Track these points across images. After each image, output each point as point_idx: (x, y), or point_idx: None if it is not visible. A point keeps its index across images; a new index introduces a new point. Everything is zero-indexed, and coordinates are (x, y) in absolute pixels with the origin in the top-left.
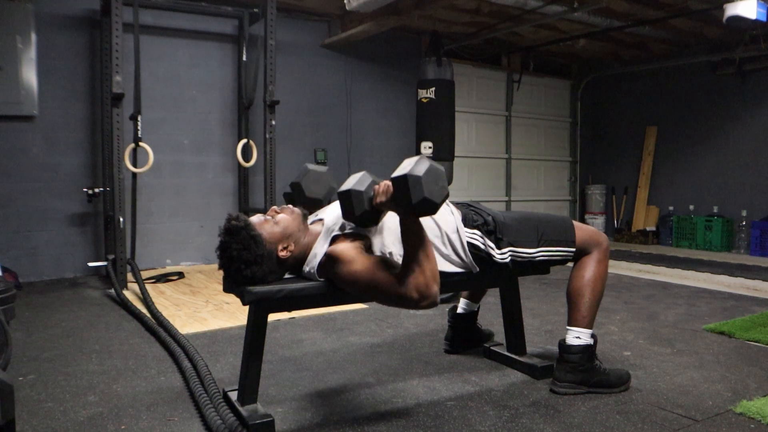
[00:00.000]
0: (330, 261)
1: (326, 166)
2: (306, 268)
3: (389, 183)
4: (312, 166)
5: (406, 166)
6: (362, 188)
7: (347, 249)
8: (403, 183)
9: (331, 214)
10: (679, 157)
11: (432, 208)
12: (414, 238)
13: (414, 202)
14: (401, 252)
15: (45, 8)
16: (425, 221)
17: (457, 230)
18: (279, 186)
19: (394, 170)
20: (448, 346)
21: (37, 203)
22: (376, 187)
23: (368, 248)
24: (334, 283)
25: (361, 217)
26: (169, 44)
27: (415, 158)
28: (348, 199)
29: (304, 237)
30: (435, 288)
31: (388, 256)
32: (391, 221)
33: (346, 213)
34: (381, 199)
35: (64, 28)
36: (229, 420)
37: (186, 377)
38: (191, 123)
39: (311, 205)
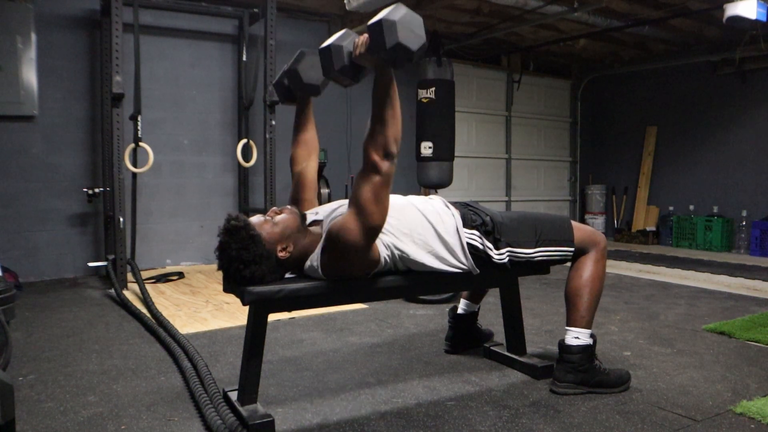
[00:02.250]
0: (329, 238)
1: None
2: (308, 264)
3: (367, 35)
4: (307, 51)
5: (382, 13)
6: (342, 42)
7: (339, 219)
8: (377, 28)
9: (327, 210)
10: (679, 157)
11: (407, 55)
12: (383, 96)
13: (388, 47)
14: (409, 250)
15: (45, 8)
16: (421, 223)
17: (457, 231)
18: (279, 186)
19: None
20: (449, 347)
21: (37, 203)
22: (356, 40)
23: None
24: (336, 268)
25: (341, 71)
26: (169, 44)
27: (393, 6)
28: (328, 54)
29: (303, 238)
30: (394, 148)
31: (394, 252)
32: (403, 223)
33: (326, 68)
34: (360, 50)
35: (64, 28)
36: (229, 420)
37: (186, 377)
38: (191, 123)
39: (308, 91)
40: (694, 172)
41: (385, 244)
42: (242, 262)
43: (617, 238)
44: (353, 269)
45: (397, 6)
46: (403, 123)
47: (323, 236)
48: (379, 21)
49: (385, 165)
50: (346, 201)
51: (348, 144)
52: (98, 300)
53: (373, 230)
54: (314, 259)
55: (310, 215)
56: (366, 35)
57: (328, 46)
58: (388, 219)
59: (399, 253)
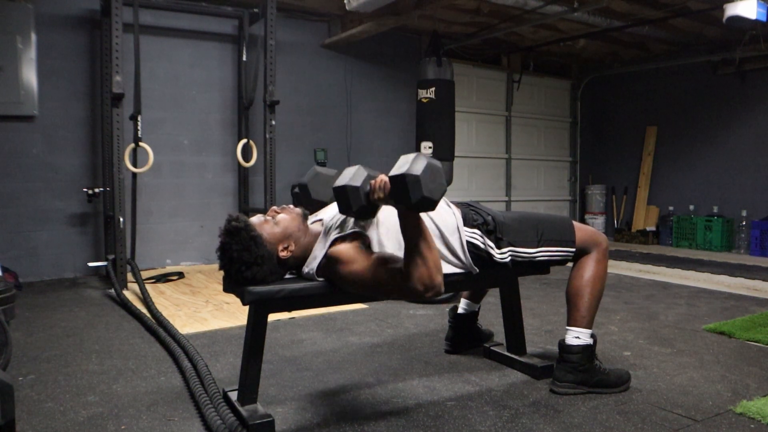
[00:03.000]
0: (330, 262)
1: (334, 169)
2: (305, 269)
3: (386, 179)
4: (320, 169)
5: (403, 165)
6: (358, 184)
7: (346, 249)
8: (401, 182)
9: (330, 213)
10: (679, 157)
11: (431, 206)
12: (414, 231)
13: (413, 202)
14: (396, 246)
15: (45, 8)
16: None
17: (458, 230)
18: (279, 186)
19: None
20: (449, 346)
21: (37, 203)
22: (372, 182)
23: (368, 246)
24: (334, 284)
25: (358, 212)
26: (169, 44)
27: (412, 156)
28: (344, 195)
29: (304, 237)
30: (439, 278)
31: (386, 251)
32: (385, 216)
33: (343, 208)
34: (379, 195)
35: (64, 28)
36: (229, 420)
37: (186, 377)
38: (191, 123)
39: (315, 206)
40: (694, 172)
41: (382, 241)
42: (243, 263)
43: (617, 238)
44: (352, 284)
45: (418, 157)
46: (403, 123)
47: (325, 253)
48: (403, 176)
49: (428, 295)
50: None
51: (348, 144)
52: (98, 300)
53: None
54: (312, 267)
55: (313, 218)
56: (384, 179)
57: (344, 187)
58: (390, 218)
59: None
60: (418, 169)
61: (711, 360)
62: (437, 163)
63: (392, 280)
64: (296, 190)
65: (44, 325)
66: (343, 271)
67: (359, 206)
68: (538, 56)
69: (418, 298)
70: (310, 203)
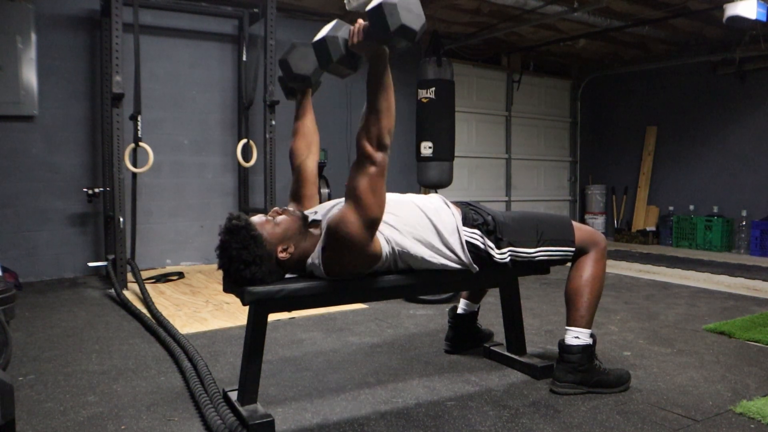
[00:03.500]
0: (329, 230)
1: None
2: (309, 261)
3: (362, 22)
4: (298, 43)
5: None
6: (337, 33)
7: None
8: (378, 12)
9: (326, 207)
10: (679, 157)
11: (410, 36)
12: (378, 86)
13: (392, 30)
14: (409, 245)
15: (45, 8)
16: (420, 219)
17: (457, 230)
18: (279, 186)
19: (393, 168)
20: (449, 346)
21: (37, 203)
22: (351, 28)
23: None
24: (338, 278)
25: (340, 62)
26: (169, 44)
27: None
28: (324, 47)
29: (304, 240)
30: (387, 141)
31: (395, 248)
32: (401, 220)
33: (323, 61)
34: (357, 38)
35: (64, 28)
36: (229, 420)
37: (186, 377)
38: (191, 123)
39: (298, 82)
40: (694, 172)
41: (386, 239)
42: (243, 263)
43: (617, 238)
44: (355, 264)
45: None
46: (403, 123)
47: (323, 233)
48: (379, 4)
49: (379, 156)
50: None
51: (348, 144)
52: (98, 300)
53: (371, 222)
54: (315, 257)
55: (309, 215)
56: (361, 22)
57: (323, 39)
58: (388, 215)
59: (399, 248)
60: None
61: (711, 360)
62: None
63: (355, 172)
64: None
65: (44, 325)
66: (338, 227)
67: (339, 55)
68: (538, 56)
69: (369, 160)
70: (292, 78)
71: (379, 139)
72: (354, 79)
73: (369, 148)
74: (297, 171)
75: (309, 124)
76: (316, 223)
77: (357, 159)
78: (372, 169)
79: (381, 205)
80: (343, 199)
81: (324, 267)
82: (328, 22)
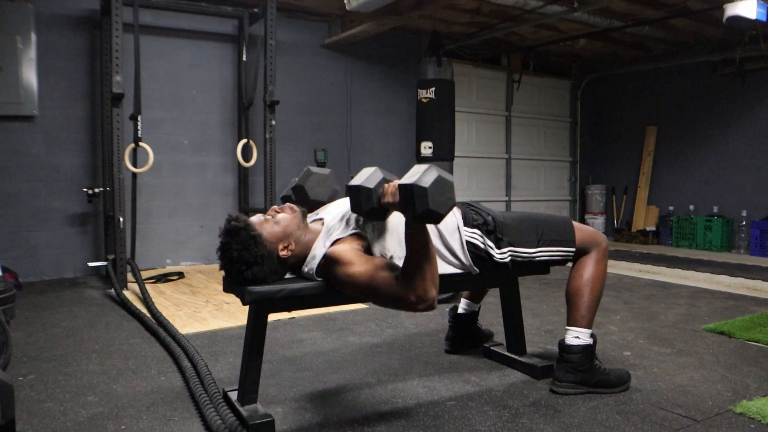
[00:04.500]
0: (329, 262)
1: (328, 168)
2: (305, 269)
3: (397, 186)
4: (314, 169)
5: (414, 175)
6: (371, 185)
7: (346, 251)
8: (409, 191)
9: (332, 213)
10: (679, 157)
11: (436, 219)
12: (417, 242)
13: (418, 212)
14: (402, 254)
15: (45, 8)
16: None
17: (458, 230)
18: (279, 186)
19: (393, 169)
20: (449, 346)
21: (37, 203)
22: (386, 186)
23: (367, 249)
24: (331, 284)
25: (368, 213)
26: (169, 44)
27: (425, 167)
28: (357, 194)
29: (304, 235)
30: (434, 293)
31: (388, 258)
32: (394, 222)
33: (355, 206)
34: (388, 199)
35: (64, 28)
36: (229, 420)
37: (186, 377)
38: (191, 123)
39: (313, 207)
40: (694, 172)
41: (383, 252)
42: (244, 263)
43: (617, 238)
44: (350, 291)
45: (430, 168)
46: (403, 123)
47: (324, 253)
48: (411, 186)
49: (419, 307)
50: (348, 200)
51: (348, 144)
52: (98, 300)
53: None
54: (312, 268)
55: (312, 216)
56: (395, 185)
57: (358, 187)
58: (392, 219)
59: (399, 261)
60: (427, 181)
61: (711, 360)
62: (449, 177)
63: (388, 288)
64: (289, 194)
65: (44, 325)
66: (340, 272)
67: (369, 208)
68: (538, 56)
69: (411, 309)
70: (308, 204)
71: (426, 293)
72: (354, 80)
73: (412, 297)
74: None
75: None
76: (317, 219)
77: (398, 295)
78: (402, 305)
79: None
80: (345, 200)
81: (318, 276)
82: (328, 21)
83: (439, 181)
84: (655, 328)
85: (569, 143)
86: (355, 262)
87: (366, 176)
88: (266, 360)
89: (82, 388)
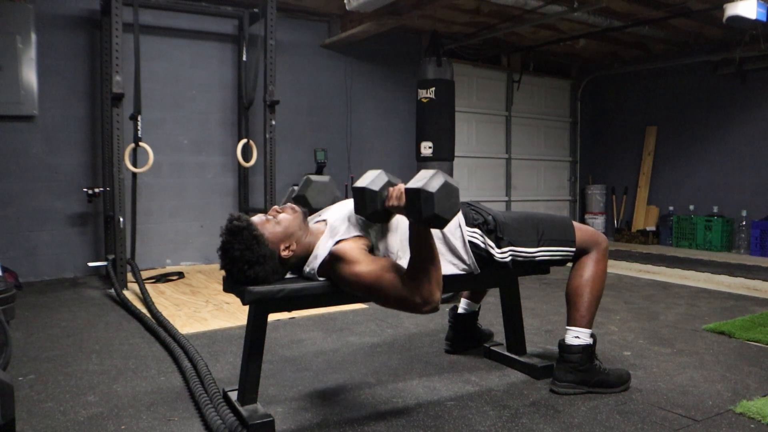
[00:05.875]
0: (333, 260)
1: (327, 175)
2: (306, 269)
3: (403, 189)
4: (314, 177)
5: (420, 180)
6: (376, 188)
7: (351, 249)
8: (415, 196)
9: (335, 214)
10: (679, 157)
11: (441, 224)
12: (422, 245)
13: (424, 217)
14: (405, 254)
15: (45, 8)
16: None
17: (459, 229)
18: (279, 186)
19: (393, 169)
20: (449, 346)
21: (37, 203)
22: (391, 189)
23: (370, 249)
24: (334, 283)
25: (372, 215)
26: (169, 44)
27: (432, 172)
28: (362, 196)
29: (305, 236)
30: (438, 295)
31: (393, 258)
32: (397, 222)
33: (359, 208)
34: (393, 203)
35: (64, 28)
36: (229, 420)
37: (186, 377)
38: (191, 123)
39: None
40: (694, 172)
41: (385, 254)
42: (246, 263)
43: (617, 238)
44: (353, 290)
45: (436, 174)
46: (403, 123)
47: (329, 251)
48: (417, 191)
49: (424, 309)
50: (350, 202)
51: (348, 144)
52: (98, 300)
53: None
54: (314, 267)
55: (314, 216)
56: (401, 189)
57: (363, 189)
58: (397, 221)
59: (403, 262)
60: (434, 186)
61: (711, 360)
62: (454, 183)
63: (392, 288)
64: (296, 193)
65: (44, 325)
66: (345, 270)
67: (374, 210)
68: (538, 56)
69: (415, 311)
70: (311, 212)
71: (430, 295)
72: (354, 80)
73: (418, 299)
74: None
75: None
76: (320, 220)
77: (404, 296)
78: (405, 307)
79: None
80: (347, 201)
81: (320, 275)
82: (328, 21)
83: (445, 187)
84: (655, 328)
85: (569, 143)
86: (362, 261)
87: (371, 178)
88: (266, 360)
89: (82, 388)
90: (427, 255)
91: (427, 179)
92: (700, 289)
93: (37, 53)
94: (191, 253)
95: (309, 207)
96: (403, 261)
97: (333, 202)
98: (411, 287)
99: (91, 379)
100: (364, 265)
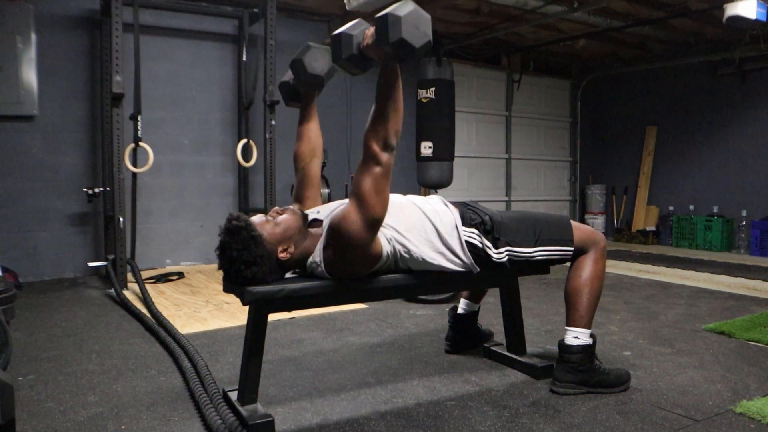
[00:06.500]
0: (332, 229)
1: (327, 46)
2: (310, 260)
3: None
4: (314, 44)
5: (391, 7)
6: (353, 32)
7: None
8: (383, 22)
9: (328, 208)
10: (679, 157)
11: (410, 52)
12: (387, 89)
13: (390, 41)
14: (421, 250)
15: (45, 8)
16: (421, 221)
17: (456, 229)
18: (279, 186)
19: (393, 168)
20: (449, 346)
21: (37, 203)
22: (366, 31)
23: (370, 247)
24: (340, 279)
25: (348, 61)
26: (169, 44)
27: (402, 1)
28: (338, 42)
29: (304, 240)
30: (394, 142)
31: (404, 252)
32: (414, 220)
33: (336, 55)
34: (367, 41)
35: (64, 28)
36: (229, 420)
37: (186, 377)
38: (191, 123)
39: (311, 82)
40: (694, 172)
41: (387, 238)
42: (243, 263)
43: (617, 238)
44: (356, 264)
45: (406, 2)
46: (403, 123)
47: (324, 232)
48: (385, 15)
49: (384, 156)
50: (348, 202)
51: (348, 144)
52: (98, 300)
53: (374, 222)
54: (317, 255)
55: (312, 214)
56: (374, 27)
57: (339, 34)
58: (390, 216)
59: (401, 248)
60: (401, 11)
61: (711, 360)
62: (425, 14)
63: (366, 170)
64: (287, 79)
65: (44, 325)
66: (341, 226)
67: (349, 54)
68: (538, 56)
69: (376, 162)
70: (305, 78)
71: (386, 140)
72: (355, 80)
73: (375, 148)
74: (301, 174)
75: (314, 128)
76: (317, 222)
77: (363, 159)
78: (377, 170)
79: (384, 205)
80: (346, 200)
81: (325, 266)
82: (328, 21)
83: (414, 13)
84: (655, 328)
85: (569, 143)
86: (349, 208)
87: (349, 25)
88: (266, 360)
89: (82, 388)
90: (389, 99)
91: (397, 5)
92: (700, 289)
93: (37, 53)
94: (191, 253)
95: (304, 71)
96: (408, 242)
97: (329, 71)
98: (371, 132)
99: (91, 379)
100: (350, 205)
